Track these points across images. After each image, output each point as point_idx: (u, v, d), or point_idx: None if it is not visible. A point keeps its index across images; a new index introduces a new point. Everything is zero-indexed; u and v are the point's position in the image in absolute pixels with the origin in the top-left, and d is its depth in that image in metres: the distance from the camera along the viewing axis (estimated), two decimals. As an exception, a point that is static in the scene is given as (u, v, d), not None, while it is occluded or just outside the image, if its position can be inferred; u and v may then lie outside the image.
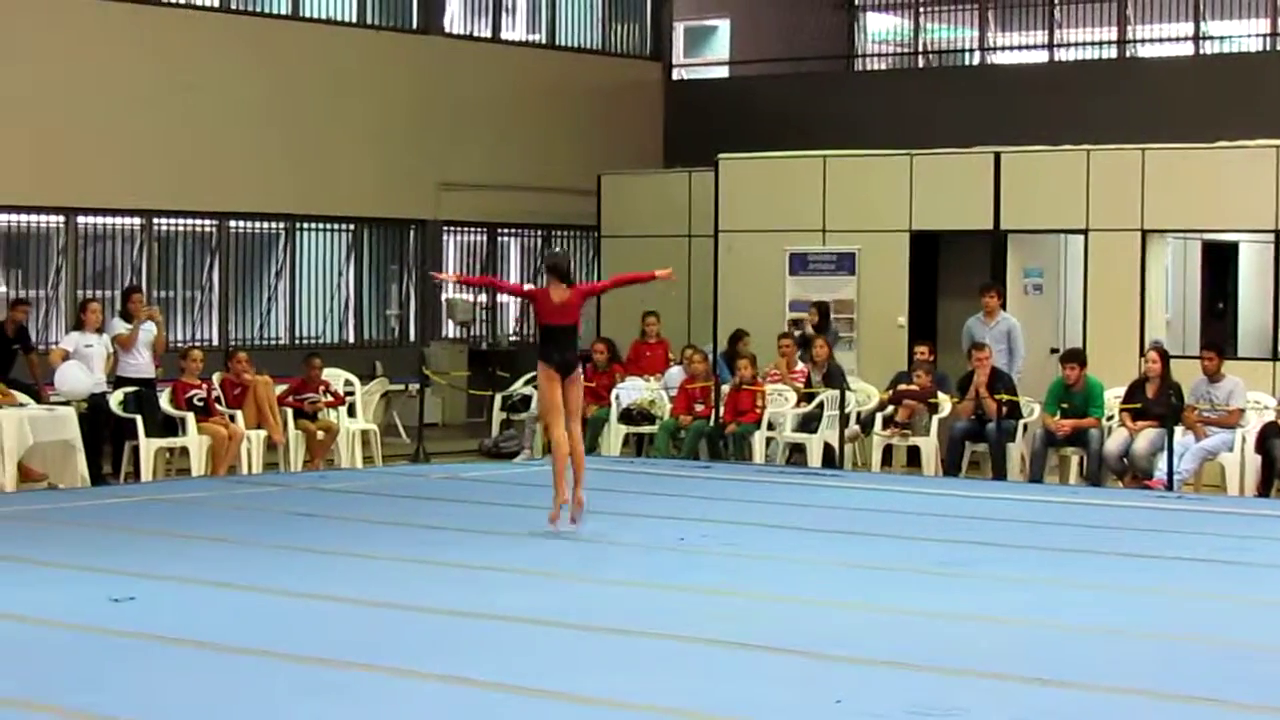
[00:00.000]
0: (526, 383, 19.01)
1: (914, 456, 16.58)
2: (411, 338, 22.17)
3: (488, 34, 23.29)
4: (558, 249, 13.06)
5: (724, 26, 26.83)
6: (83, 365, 15.01)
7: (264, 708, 6.99)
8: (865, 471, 16.38)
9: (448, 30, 22.69)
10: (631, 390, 17.75)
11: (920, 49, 25.06)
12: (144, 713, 6.89)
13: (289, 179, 20.62)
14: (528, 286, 12.54)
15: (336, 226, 21.63)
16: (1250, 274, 19.06)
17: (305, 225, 21.28)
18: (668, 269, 12.82)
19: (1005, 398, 15.79)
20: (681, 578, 10.08)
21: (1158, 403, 15.13)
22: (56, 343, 16.70)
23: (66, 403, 14.80)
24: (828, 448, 16.44)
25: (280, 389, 16.37)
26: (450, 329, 22.53)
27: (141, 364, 15.62)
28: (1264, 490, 14.70)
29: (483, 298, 23.00)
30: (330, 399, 16.69)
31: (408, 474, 15.79)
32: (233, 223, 20.53)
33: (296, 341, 20.83)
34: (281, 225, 21.01)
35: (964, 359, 16.76)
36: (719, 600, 9.45)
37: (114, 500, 13.52)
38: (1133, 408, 15.35)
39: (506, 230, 23.46)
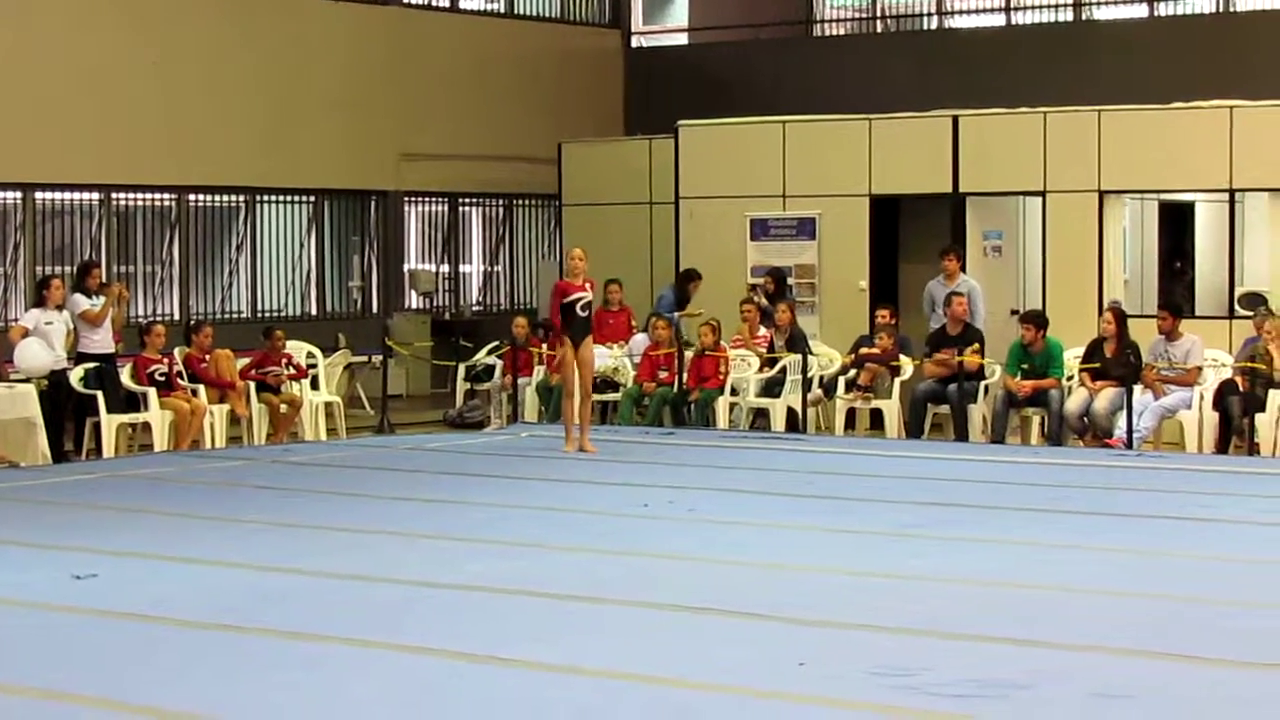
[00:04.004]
0: (490, 352, 19.02)
1: (877, 419, 16.65)
2: (374, 309, 22.15)
3: (446, 4, 23.22)
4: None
5: (682, -7, 26.77)
6: (43, 342, 14.92)
7: (230, 682, 7.00)
8: (828, 435, 16.45)
9: (406, 1, 22.61)
10: (595, 358, 17.73)
11: (878, 14, 25.06)
12: (110, 689, 6.89)
13: (248, 151, 20.54)
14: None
15: (297, 199, 21.57)
16: (1206, 233, 19.18)
17: (265, 198, 21.21)
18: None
19: (979, 361, 15.86)
20: (646, 544, 10.12)
21: (1117, 362, 15.21)
22: (16, 320, 16.61)
23: (27, 380, 14.73)
24: (791, 412, 16.50)
25: (243, 363, 16.35)
26: (413, 300, 22.52)
27: (102, 340, 15.55)
28: (1222, 447, 14.81)
29: (444, 268, 23.01)
30: (293, 372, 16.65)
31: (372, 446, 15.77)
32: (192, 196, 20.46)
33: (258, 315, 20.78)
34: (241, 198, 20.95)
35: (925, 322, 16.83)
36: (684, 566, 9.49)
37: (76, 477, 13.46)
38: (1092, 367, 15.45)
39: (467, 200, 23.45)
